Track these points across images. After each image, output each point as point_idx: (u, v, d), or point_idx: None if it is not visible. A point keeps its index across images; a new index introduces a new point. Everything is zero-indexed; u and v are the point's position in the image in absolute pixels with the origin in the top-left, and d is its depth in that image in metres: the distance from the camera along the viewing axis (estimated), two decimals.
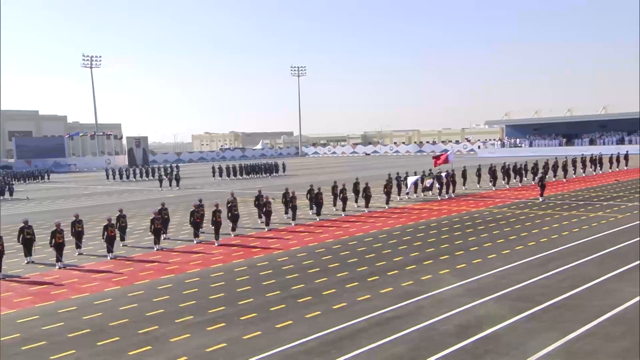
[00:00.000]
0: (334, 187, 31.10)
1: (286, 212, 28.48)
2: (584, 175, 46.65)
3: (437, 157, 39.15)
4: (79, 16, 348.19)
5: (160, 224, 22.12)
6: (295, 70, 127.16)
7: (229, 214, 24.51)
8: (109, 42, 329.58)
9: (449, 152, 39.33)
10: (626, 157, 52.77)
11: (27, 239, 20.14)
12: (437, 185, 34.56)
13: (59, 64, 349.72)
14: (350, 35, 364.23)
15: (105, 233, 20.61)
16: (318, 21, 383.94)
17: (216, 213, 22.66)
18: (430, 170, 37.11)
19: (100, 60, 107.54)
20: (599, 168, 49.36)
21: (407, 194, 34.41)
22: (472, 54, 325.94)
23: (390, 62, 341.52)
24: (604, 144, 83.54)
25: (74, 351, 11.41)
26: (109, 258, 20.39)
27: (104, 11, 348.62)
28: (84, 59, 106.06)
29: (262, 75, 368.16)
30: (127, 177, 66.39)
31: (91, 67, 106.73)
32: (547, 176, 38.66)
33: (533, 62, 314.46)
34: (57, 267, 19.21)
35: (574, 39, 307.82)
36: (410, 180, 34.25)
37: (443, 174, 34.72)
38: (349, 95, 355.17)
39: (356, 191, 31.49)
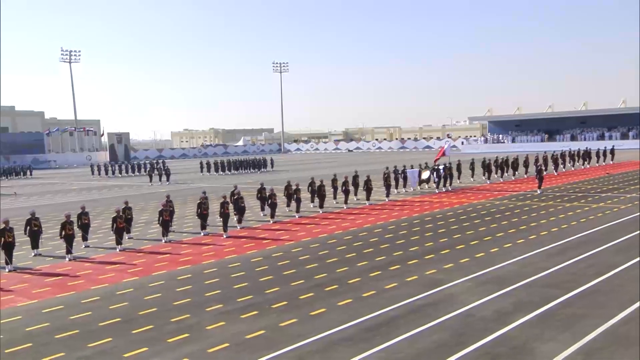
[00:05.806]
0: (334, 180, 31.01)
1: (288, 205, 28.34)
2: (572, 169, 47.37)
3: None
4: (57, 10, 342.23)
5: (168, 215, 21.79)
6: (277, 66, 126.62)
7: (235, 206, 24.29)
8: (87, 37, 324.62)
9: (445, 147, 39.45)
10: (612, 151, 54.13)
11: (34, 230, 19.65)
12: (435, 178, 34.69)
13: (36, 58, 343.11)
14: (332, 32, 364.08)
15: (115, 225, 20.20)
16: (300, 17, 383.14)
17: (224, 205, 22.39)
18: (426, 163, 37.21)
19: (79, 55, 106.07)
20: (587, 162, 50.20)
21: (413, 186, 34.67)
22: (453, 52, 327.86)
23: (371, 59, 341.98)
24: (584, 139, 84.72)
25: (110, 339, 11.12)
26: (118, 250, 20.00)
27: (83, 5, 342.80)
28: (62, 54, 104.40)
29: (242, 71, 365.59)
30: (113, 172, 65.56)
31: (70, 62, 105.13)
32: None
33: (514, 59, 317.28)
34: (67, 259, 18.78)
35: (554, 37, 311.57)
36: (411, 173, 34.27)
37: (441, 167, 34.85)
38: (330, 92, 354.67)
39: (356, 184, 31.43)
